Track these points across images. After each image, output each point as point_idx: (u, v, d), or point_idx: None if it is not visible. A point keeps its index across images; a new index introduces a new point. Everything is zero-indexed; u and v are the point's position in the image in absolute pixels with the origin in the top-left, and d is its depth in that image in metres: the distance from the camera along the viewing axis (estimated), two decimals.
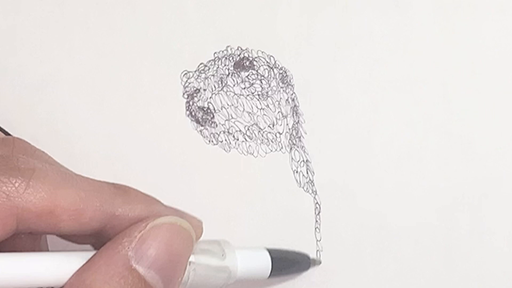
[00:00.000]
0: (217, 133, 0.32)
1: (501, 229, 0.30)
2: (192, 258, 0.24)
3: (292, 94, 0.32)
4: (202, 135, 0.32)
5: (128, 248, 0.22)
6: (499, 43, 0.31)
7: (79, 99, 0.32)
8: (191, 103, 0.32)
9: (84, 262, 0.22)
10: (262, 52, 0.32)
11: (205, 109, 0.32)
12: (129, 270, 0.21)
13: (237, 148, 0.32)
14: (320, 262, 0.31)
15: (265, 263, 0.28)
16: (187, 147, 0.32)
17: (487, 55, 0.31)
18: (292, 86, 0.32)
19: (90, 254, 0.22)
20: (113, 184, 0.24)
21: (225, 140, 0.32)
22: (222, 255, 0.26)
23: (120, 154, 0.32)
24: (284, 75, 0.32)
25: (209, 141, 0.32)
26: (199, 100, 0.32)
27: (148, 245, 0.22)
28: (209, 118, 0.32)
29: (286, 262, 0.30)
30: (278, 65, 0.32)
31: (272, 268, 0.29)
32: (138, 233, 0.22)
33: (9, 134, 0.31)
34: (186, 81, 0.32)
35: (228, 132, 0.32)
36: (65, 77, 0.32)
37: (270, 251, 0.29)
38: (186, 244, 0.24)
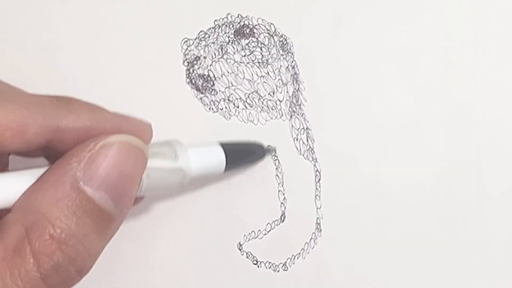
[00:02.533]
0: (217, 101, 0.32)
1: (500, 194, 0.30)
2: None
3: (292, 62, 0.32)
4: (202, 102, 0.32)
5: (77, 168, 0.21)
6: (500, 11, 0.31)
7: (79, 67, 0.32)
8: (191, 70, 0.32)
9: (34, 180, 0.21)
10: (262, 19, 0.32)
11: (205, 77, 0.32)
12: (77, 191, 0.21)
13: (237, 116, 0.32)
14: (274, 150, 0.31)
15: (219, 158, 0.28)
16: (187, 114, 0.32)
17: (488, 21, 0.31)
18: (292, 53, 0.32)
19: (40, 172, 0.22)
20: (55, 96, 0.23)
21: (225, 107, 0.32)
22: (175, 156, 0.26)
23: None
24: (284, 42, 0.32)
25: (209, 109, 0.32)
26: (199, 68, 0.32)
27: (97, 165, 0.22)
28: (209, 86, 0.32)
29: (240, 154, 0.30)
30: (278, 33, 0.32)
31: (226, 162, 0.28)
32: (87, 152, 0.22)
33: None
34: (186, 48, 0.32)
35: (228, 99, 0.32)
36: (65, 45, 0.32)
37: (222, 145, 0.28)
38: (138, 162, 0.23)
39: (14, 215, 0.21)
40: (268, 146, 0.31)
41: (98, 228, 0.22)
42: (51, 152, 0.23)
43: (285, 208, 0.31)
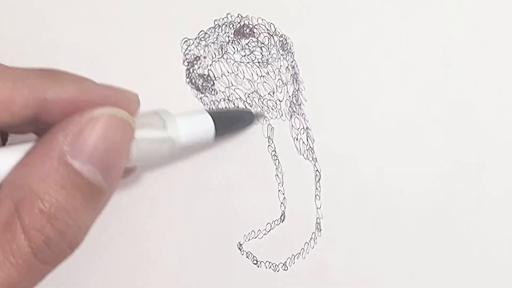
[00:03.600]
0: (217, 101, 0.32)
1: (500, 194, 0.30)
2: None
3: (292, 62, 0.32)
4: (202, 102, 0.32)
5: (64, 142, 0.21)
6: (500, 11, 0.31)
7: (79, 67, 0.32)
8: (191, 70, 0.32)
9: (23, 155, 0.21)
10: (262, 19, 0.32)
11: (205, 77, 0.32)
12: (64, 165, 0.21)
13: None
14: (263, 115, 0.31)
15: (208, 126, 0.28)
16: None
17: (488, 22, 0.31)
18: (292, 53, 0.32)
19: (29, 146, 0.22)
20: (40, 68, 0.23)
21: (225, 107, 0.32)
22: (163, 125, 0.26)
23: None
24: (284, 42, 0.32)
25: (209, 108, 0.32)
26: (199, 68, 0.32)
27: (84, 139, 0.21)
28: (209, 86, 0.32)
29: (229, 121, 0.30)
30: (278, 33, 0.32)
31: (216, 129, 0.28)
32: (74, 126, 0.22)
33: None
34: (186, 48, 0.32)
35: (228, 99, 0.32)
36: (65, 45, 0.32)
37: (211, 113, 0.28)
38: (125, 134, 0.23)
39: (3, 191, 0.21)
40: (256, 111, 0.31)
41: (88, 202, 0.22)
42: (40, 125, 0.23)
43: (285, 208, 0.31)
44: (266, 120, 0.31)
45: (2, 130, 0.24)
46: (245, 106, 0.31)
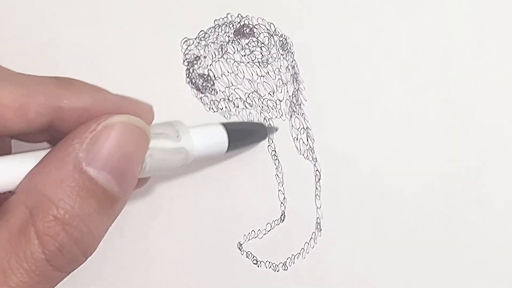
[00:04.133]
0: (217, 100, 0.32)
1: (501, 195, 0.30)
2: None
3: (292, 61, 0.32)
4: (202, 102, 0.32)
5: (79, 149, 0.21)
6: (500, 11, 0.31)
7: (79, 67, 0.32)
8: (191, 70, 0.32)
9: (37, 162, 0.21)
10: (262, 19, 0.32)
11: (205, 76, 0.32)
12: (79, 172, 0.21)
13: (237, 115, 0.32)
14: (276, 129, 0.31)
15: (221, 138, 0.28)
16: (187, 114, 0.32)
17: (488, 22, 0.31)
18: (292, 53, 0.32)
19: (43, 153, 0.22)
20: (55, 77, 0.23)
21: (225, 107, 0.32)
22: (177, 136, 0.26)
23: None
24: (284, 42, 0.32)
25: (209, 108, 0.32)
26: (199, 67, 0.32)
27: (99, 146, 0.21)
28: (209, 85, 0.32)
29: (243, 134, 0.30)
30: (278, 32, 0.32)
31: (229, 142, 0.28)
32: (89, 133, 0.22)
33: None
34: (186, 48, 0.32)
35: (228, 99, 0.32)
36: (65, 45, 0.32)
37: (224, 125, 0.29)
38: (140, 142, 0.23)
39: (17, 197, 0.21)
40: (269, 125, 0.31)
41: (102, 209, 0.22)
42: (54, 134, 0.23)
43: (285, 207, 0.31)
44: (266, 120, 0.31)
45: (15, 138, 0.24)
46: (245, 106, 0.31)
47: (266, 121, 0.31)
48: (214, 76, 0.32)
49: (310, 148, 0.31)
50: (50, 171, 0.21)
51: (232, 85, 0.32)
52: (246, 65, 0.32)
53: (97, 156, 0.21)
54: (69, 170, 0.21)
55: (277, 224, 0.31)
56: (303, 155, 0.31)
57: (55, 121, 0.22)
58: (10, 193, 0.21)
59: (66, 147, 0.21)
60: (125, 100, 0.24)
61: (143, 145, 0.23)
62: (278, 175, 0.31)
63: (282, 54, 0.32)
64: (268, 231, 0.31)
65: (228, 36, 0.32)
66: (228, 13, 0.32)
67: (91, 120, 0.22)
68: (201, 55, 0.32)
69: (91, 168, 0.21)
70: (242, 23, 0.32)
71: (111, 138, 0.22)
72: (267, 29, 0.32)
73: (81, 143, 0.21)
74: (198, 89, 0.32)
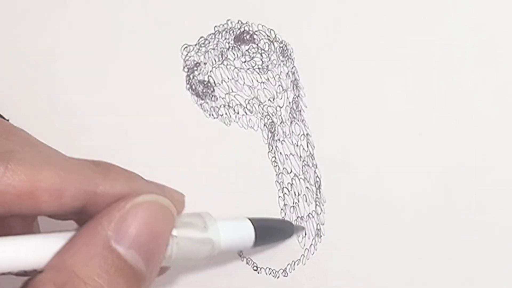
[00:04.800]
0: (217, 107, 0.32)
1: (501, 200, 0.30)
2: (174, 232, 0.24)
3: (292, 68, 0.32)
4: (202, 108, 0.32)
5: (108, 228, 0.22)
6: (500, 13, 0.31)
7: (78, 74, 0.32)
8: (191, 76, 0.32)
9: (65, 242, 0.22)
10: (263, 25, 0.32)
11: (205, 83, 0.32)
12: (109, 250, 0.21)
13: (237, 122, 0.32)
14: (303, 228, 0.31)
15: (248, 233, 0.29)
16: (187, 120, 0.32)
17: (489, 24, 0.31)
18: (292, 59, 0.32)
19: (70, 234, 0.22)
20: (93, 161, 0.23)
21: (226, 113, 0.32)
22: (204, 227, 0.26)
23: (120, 128, 0.32)
24: (285, 48, 0.32)
25: (210, 115, 0.32)
26: (199, 74, 0.32)
27: (127, 225, 0.22)
28: (210, 92, 0.32)
29: (269, 231, 0.30)
30: (279, 39, 0.32)
31: (255, 238, 0.29)
32: (118, 212, 0.22)
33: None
34: (186, 54, 0.32)
35: (229, 105, 0.32)
36: (64, 52, 0.32)
37: (252, 221, 0.29)
38: (166, 221, 0.23)
39: (46, 275, 0.21)
40: (297, 224, 0.31)
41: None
42: (84, 216, 0.23)
43: (285, 214, 0.31)
44: (266, 126, 0.32)
45: (46, 216, 0.24)
46: (245, 113, 0.31)
47: (266, 127, 0.31)
48: (214, 82, 0.32)
49: (310, 155, 0.31)
50: (79, 249, 0.21)
51: (232, 91, 0.32)
52: (246, 71, 0.32)
53: (126, 234, 0.22)
54: (98, 248, 0.21)
55: None
56: (303, 161, 0.31)
57: (87, 205, 0.23)
58: (37, 272, 0.22)
59: (95, 225, 0.22)
60: (158, 188, 0.25)
61: (169, 223, 0.24)
62: (278, 181, 0.31)
63: (282, 61, 0.32)
64: None
65: (228, 43, 0.32)
66: (228, 20, 0.32)
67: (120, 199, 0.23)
68: (201, 61, 0.32)
69: (120, 246, 0.22)
70: (242, 29, 0.32)
71: (139, 216, 0.22)
72: (267, 35, 0.32)
73: (110, 221, 0.22)
74: (198, 95, 0.32)
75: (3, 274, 0.21)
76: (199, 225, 0.26)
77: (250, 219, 0.29)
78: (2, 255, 0.21)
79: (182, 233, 0.25)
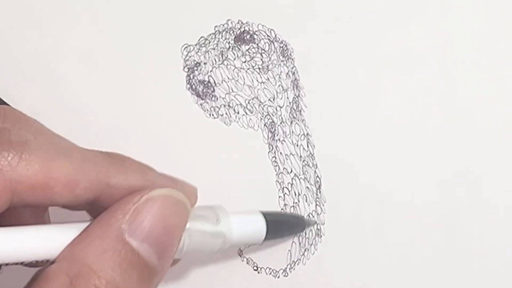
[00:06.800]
0: (217, 107, 0.32)
1: (501, 204, 0.30)
2: (187, 225, 0.24)
3: (292, 68, 0.32)
4: (202, 108, 0.32)
5: (122, 221, 0.22)
6: (500, 15, 0.31)
7: (79, 73, 0.32)
8: (191, 76, 0.32)
9: (78, 234, 0.22)
10: (263, 25, 0.32)
11: (205, 83, 0.32)
12: (122, 243, 0.21)
13: (237, 122, 0.32)
14: (315, 222, 0.31)
15: (260, 227, 0.28)
16: (187, 120, 0.32)
17: (488, 28, 0.31)
18: (292, 59, 0.32)
19: (83, 225, 0.22)
20: (107, 153, 0.23)
21: (226, 113, 0.32)
22: (217, 220, 0.26)
23: (121, 127, 0.32)
24: (285, 48, 0.32)
25: (210, 115, 0.32)
26: (199, 74, 0.32)
27: (142, 218, 0.22)
28: (210, 92, 0.32)
29: (281, 225, 0.30)
30: (279, 39, 0.32)
31: (267, 231, 0.29)
32: (132, 205, 0.22)
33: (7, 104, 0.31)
34: (187, 54, 0.32)
35: (229, 105, 0.32)
36: (65, 51, 0.32)
37: (264, 214, 0.29)
38: (181, 216, 0.23)
39: (58, 265, 0.21)
40: (308, 218, 0.31)
41: (143, 281, 0.22)
42: (97, 207, 0.23)
43: None
44: (266, 126, 0.32)
45: (59, 206, 0.24)
46: (245, 113, 0.31)
47: (266, 126, 0.31)
48: (215, 82, 0.32)
49: (310, 154, 0.31)
50: (93, 241, 0.21)
51: (233, 91, 0.32)
52: (246, 71, 0.32)
53: (140, 228, 0.22)
54: (111, 241, 0.21)
55: None
56: (303, 161, 0.31)
57: (100, 197, 0.23)
58: (48, 262, 0.22)
59: (109, 218, 0.22)
60: (171, 182, 0.25)
61: (184, 218, 0.24)
62: (278, 181, 0.31)
63: (282, 61, 0.32)
64: None
65: (229, 43, 0.32)
66: (228, 20, 0.32)
67: (135, 192, 0.23)
68: (201, 61, 0.32)
69: (134, 240, 0.22)
70: (242, 29, 0.32)
71: (153, 210, 0.22)
72: (268, 35, 0.32)
73: (124, 214, 0.22)
74: (198, 95, 0.32)
75: (16, 264, 0.21)
76: (211, 218, 0.26)
77: (262, 213, 0.29)
78: (14, 244, 0.21)
79: (194, 225, 0.25)
